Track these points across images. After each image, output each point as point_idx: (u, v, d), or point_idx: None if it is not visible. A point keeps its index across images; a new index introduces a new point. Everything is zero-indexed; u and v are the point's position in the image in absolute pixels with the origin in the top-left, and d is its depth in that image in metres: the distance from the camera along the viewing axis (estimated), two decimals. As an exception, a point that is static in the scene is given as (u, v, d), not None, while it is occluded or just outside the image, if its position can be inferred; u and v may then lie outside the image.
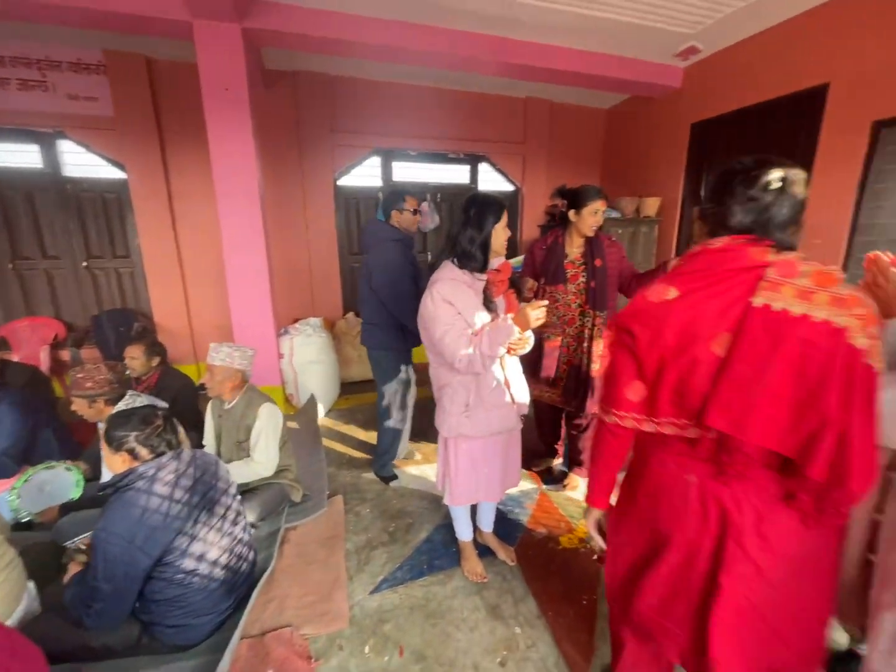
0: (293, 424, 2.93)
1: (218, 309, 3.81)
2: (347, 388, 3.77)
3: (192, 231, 3.74)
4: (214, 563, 1.39)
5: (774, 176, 0.82)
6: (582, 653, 1.45)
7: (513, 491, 2.27)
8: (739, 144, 3.36)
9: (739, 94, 3.26)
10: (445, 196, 4.39)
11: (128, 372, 2.23)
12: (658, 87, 3.68)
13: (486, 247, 1.41)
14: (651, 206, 3.96)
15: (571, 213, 1.99)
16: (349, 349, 3.87)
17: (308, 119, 3.83)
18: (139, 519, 1.24)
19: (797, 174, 0.83)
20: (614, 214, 3.89)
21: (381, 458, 2.37)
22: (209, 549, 1.38)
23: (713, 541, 0.86)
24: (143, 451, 1.33)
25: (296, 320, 3.79)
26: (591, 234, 1.99)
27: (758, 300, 0.77)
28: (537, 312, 1.35)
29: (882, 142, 2.58)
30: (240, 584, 1.50)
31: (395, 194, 2.11)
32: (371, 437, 2.88)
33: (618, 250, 2.04)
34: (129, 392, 1.87)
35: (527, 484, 2.36)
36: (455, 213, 1.52)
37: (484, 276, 1.47)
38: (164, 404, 1.86)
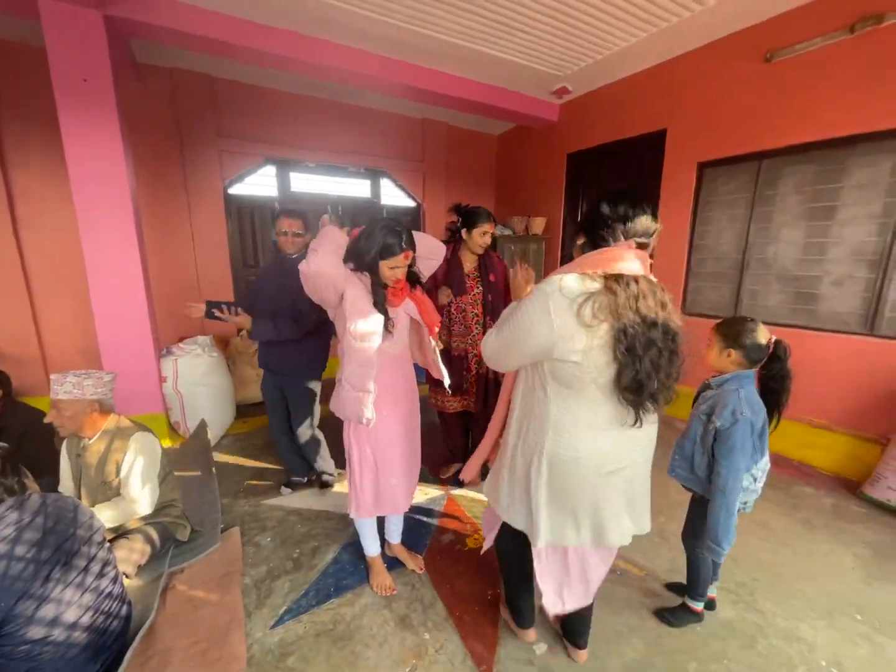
0: (179, 452, 2.62)
1: (80, 329, 3.28)
2: (244, 410, 3.52)
3: (42, 238, 3.18)
4: (73, 625, 1.18)
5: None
6: (487, 646, 1.50)
7: (420, 499, 2.29)
8: (608, 173, 3.87)
9: (604, 131, 3.77)
10: (347, 208, 4.35)
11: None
12: (538, 119, 4.08)
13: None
14: (538, 224, 4.36)
15: (464, 232, 2.12)
16: (246, 369, 3.61)
17: (189, 121, 3.53)
18: (-36, 587, 1.02)
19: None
20: (507, 232, 4.19)
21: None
22: (65, 610, 1.17)
23: None
24: (-28, 503, 1.10)
25: (181, 339, 3.45)
26: (480, 251, 2.14)
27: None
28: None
29: (706, 178, 3.19)
30: (109, 644, 1.30)
31: (275, 215, 2.06)
32: (272, 460, 2.73)
33: (504, 268, 2.23)
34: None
35: (434, 490, 2.39)
36: (359, 226, 1.52)
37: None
38: (2, 444, 1.55)
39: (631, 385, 1.03)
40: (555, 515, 1.17)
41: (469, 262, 2.18)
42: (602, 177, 3.92)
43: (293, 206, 2.14)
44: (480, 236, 2.09)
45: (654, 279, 1.09)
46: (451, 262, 2.15)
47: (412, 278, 1.59)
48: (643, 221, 1.07)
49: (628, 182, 3.70)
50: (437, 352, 1.70)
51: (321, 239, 1.44)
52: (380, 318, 1.44)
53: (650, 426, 1.16)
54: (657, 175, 3.42)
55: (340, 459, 2.42)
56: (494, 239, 4.18)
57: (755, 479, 1.37)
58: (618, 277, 1.03)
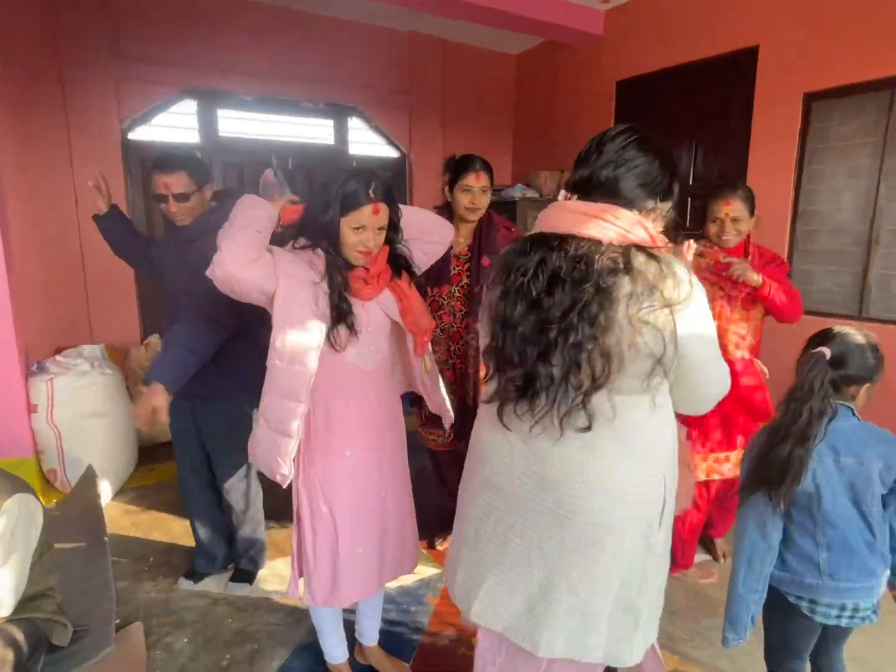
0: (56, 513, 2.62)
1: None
2: (151, 453, 3.50)
3: None
4: None
5: None
6: None
7: (407, 580, 2.26)
8: (674, 108, 3.88)
9: (669, 50, 3.79)
10: (301, 161, 4.37)
11: None
12: (575, 32, 4.14)
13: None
14: (576, 183, 4.38)
15: (447, 193, 2.17)
16: (153, 392, 3.60)
17: (72, 35, 3.55)
18: None
19: None
20: (531, 194, 4.23)
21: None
22: None
23: None
24: None
25: (59, 350, 3.44)
26: (471, 219, 2.18)
27: None
28: None
29: (815, 116, 3.21)
30: None
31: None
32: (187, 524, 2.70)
33: None
34: None
35: (427, 569, 2.38)
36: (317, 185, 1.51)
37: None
38: None
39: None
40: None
41: (462, 239, 2.22)
42: (665, 114, 3.94)
43: (175, 152, 2.04)
44: (464, 193, 2.12)
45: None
46: None
47: (396, 261, 1.58)
48: None
49: (701, 122, 3.72)
50: (433, 375, 1.70)
51: (232, 219, 1.45)
52: (319, 327, 1.41)
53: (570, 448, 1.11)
54: (744, 112, 3.43)
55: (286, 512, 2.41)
56: (501, 202, 4.21)
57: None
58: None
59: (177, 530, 2.73)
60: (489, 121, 5.09)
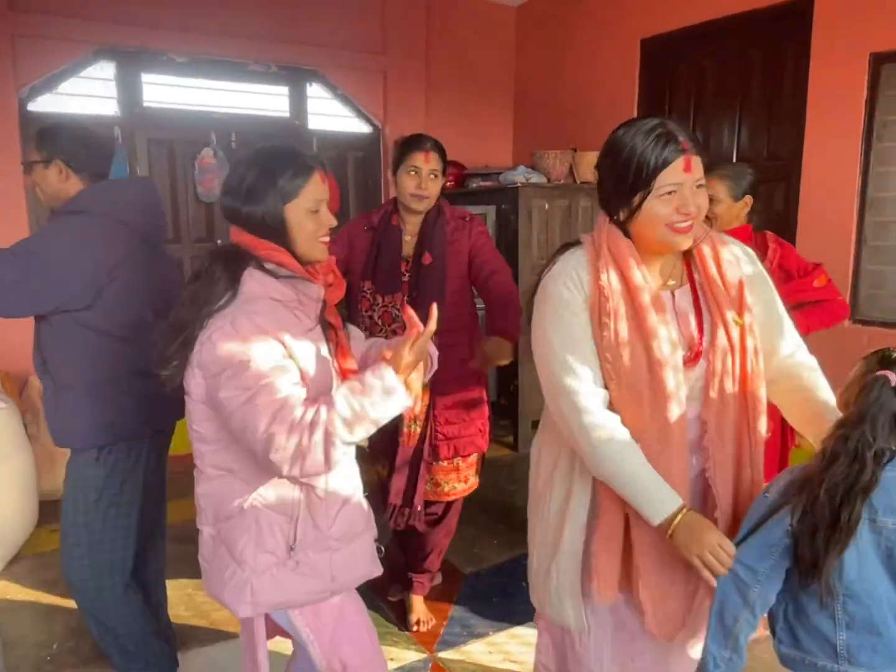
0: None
1: None
2: (54, 509, 3.40)
3: None
4: None
5: None
6: None
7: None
8: (711, 72, 3.85)
9: (705, 1, 3.75)
10: (248, 138, 4.28)
11: None
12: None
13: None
14: (592, 164, 4.27)
15: (392, 179, 2.28)
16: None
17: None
18: None
19: None
20: (535, 178, 4.17)
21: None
22: None
23: None
24: None
25: (-63, 378, 3.36)
26: (415, 207, 2.23)
27: None
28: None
29: (885, 82, 3.17)
30: None
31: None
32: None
33: (468, 235, 2.29)
34: None
35: (408, 653, 2.37)
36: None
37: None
38: None
39: None
40: None
41: (410, 236, 2.29)
42: (702, 79, 3.91)
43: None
44: (409, 177, 2.19)
45: None
46: (385, 236, 2.28)
47: None
48: None
49: (745, 89, 3.71)
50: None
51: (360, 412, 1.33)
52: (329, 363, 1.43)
53: None
54: (798, 76, 3.41)
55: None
56: (499, 188, 4.19)
57: None
58: None
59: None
60: (484, 88, 5.04)
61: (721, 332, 1.34)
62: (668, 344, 1.30)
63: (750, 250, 1.50)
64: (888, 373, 1.23)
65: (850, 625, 1.29)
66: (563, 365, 1.33)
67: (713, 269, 1.37)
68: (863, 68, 3.22)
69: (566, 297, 1.35)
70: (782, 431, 2.25)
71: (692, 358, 1.35)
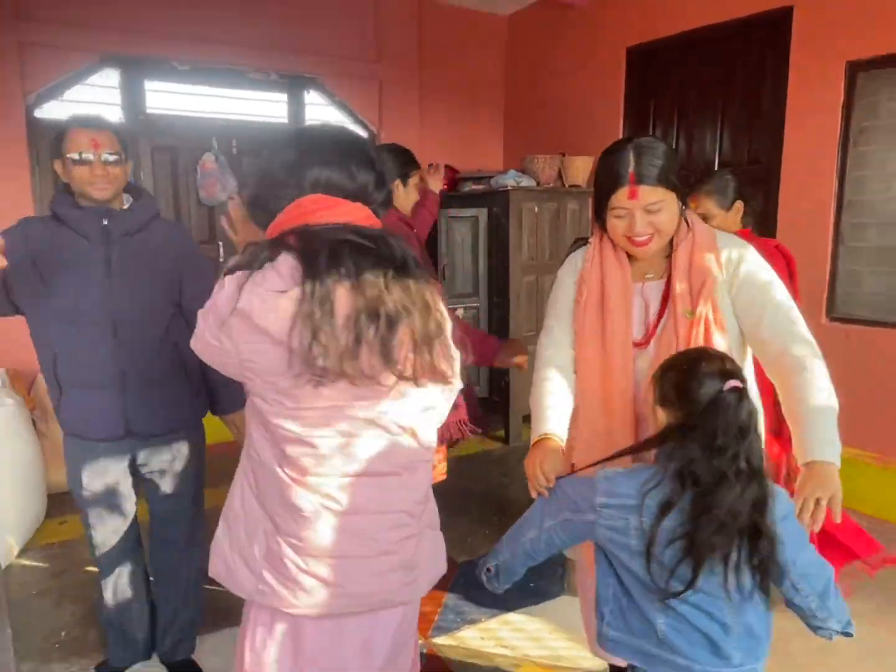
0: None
1: None
2: (62, 503, 3.40)
3: None
4: None
5: None
6: None
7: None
8: (695, 80, 3.90)
9: (689, 11, 3.80)
10: (248, 144, 4.33)
11: None
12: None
13: None
14: (580, 168, 4.33)
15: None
16: (66, 427, 3.56)
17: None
18: None
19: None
20: (525, 182, 4.21)
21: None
22: None
23: None
24: None
25: (-54, 376, 3.37)
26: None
27: None
28: None
29: (861, 89, 3.22)
30: None
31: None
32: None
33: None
34: None
35: None
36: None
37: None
38: None
39: None
40: None
41: None
42: (685, 86, 3.96)
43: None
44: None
45: None
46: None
47: None
48: None
49: (728, 96, 3.75)
50: None
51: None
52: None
53: None
54: (778, 84, 3.45)
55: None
56: (490, 192, 4.26)
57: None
58: None
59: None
60: (476, 95, 5.09)
61: (670, 324, 1.46)
62: (622, 323, 1.48)
63: (759, 256, 1.52)
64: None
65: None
66: (545, 326, 1.67)
67: (683, 267, 1.48)
68: (839, 76, 3.27)
69: (565, 280, 1.65)
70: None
71: (643, 341, 1.50)
